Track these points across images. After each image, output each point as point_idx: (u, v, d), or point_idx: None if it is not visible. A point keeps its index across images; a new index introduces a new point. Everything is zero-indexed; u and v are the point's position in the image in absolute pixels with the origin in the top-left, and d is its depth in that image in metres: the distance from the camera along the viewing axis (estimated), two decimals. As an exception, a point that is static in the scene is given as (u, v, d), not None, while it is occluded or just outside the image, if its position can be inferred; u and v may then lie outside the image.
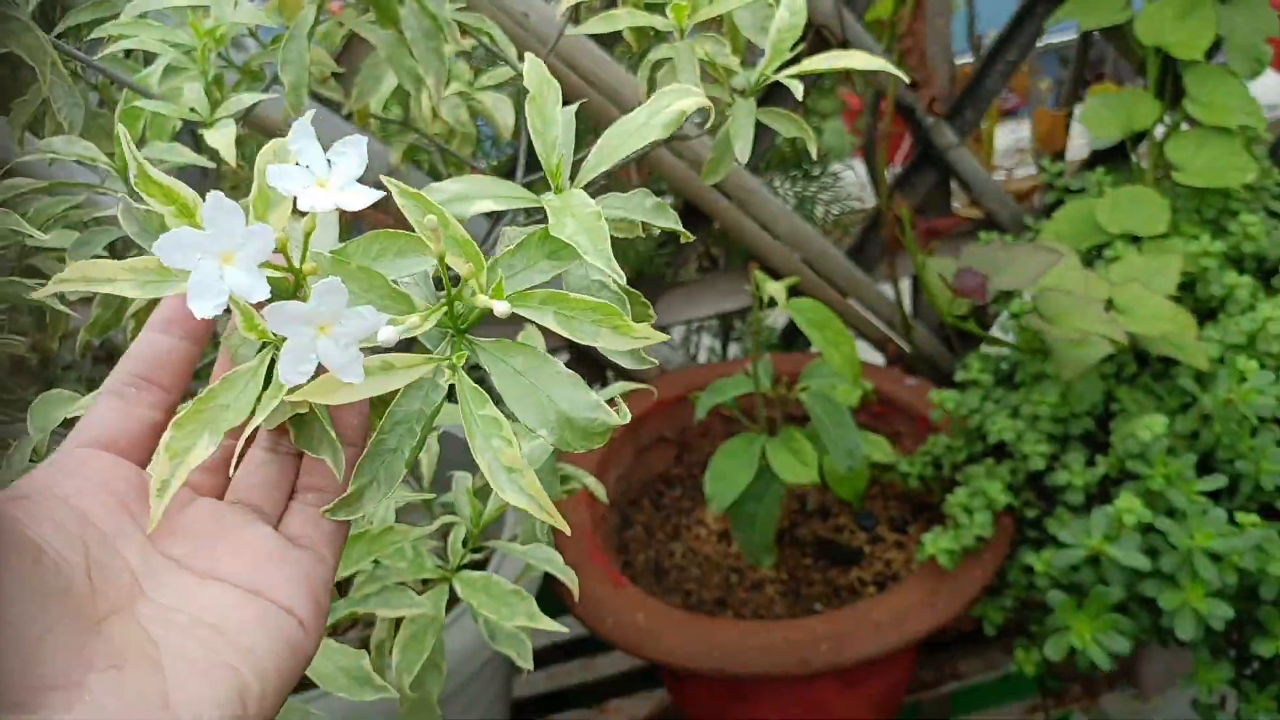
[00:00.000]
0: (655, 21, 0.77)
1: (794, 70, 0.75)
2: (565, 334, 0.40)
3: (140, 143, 0.69)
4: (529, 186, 0.50)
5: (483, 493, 0.71)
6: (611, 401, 0.41)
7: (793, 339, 1.52)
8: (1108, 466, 1.01)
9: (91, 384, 0.89)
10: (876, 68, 0.74)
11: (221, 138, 0.64)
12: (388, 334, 0.37)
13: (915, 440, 1.25)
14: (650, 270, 1.35)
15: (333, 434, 0.40)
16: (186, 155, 0.66)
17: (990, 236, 1.34)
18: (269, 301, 0.37)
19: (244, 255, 0.36)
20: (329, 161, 0.38)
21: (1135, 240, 1.20)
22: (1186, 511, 0.94)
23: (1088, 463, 1.05)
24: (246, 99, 0.68)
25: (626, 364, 0.45)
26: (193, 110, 0.68)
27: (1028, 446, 1.04)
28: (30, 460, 0.61)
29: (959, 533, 1.04)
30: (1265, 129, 1.23)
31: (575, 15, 1.53)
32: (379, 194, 0.39)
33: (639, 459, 1.29)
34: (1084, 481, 1.02)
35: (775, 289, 0.91)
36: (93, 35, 0.72)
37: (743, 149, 0.70)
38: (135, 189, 0.40)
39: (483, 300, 0.39)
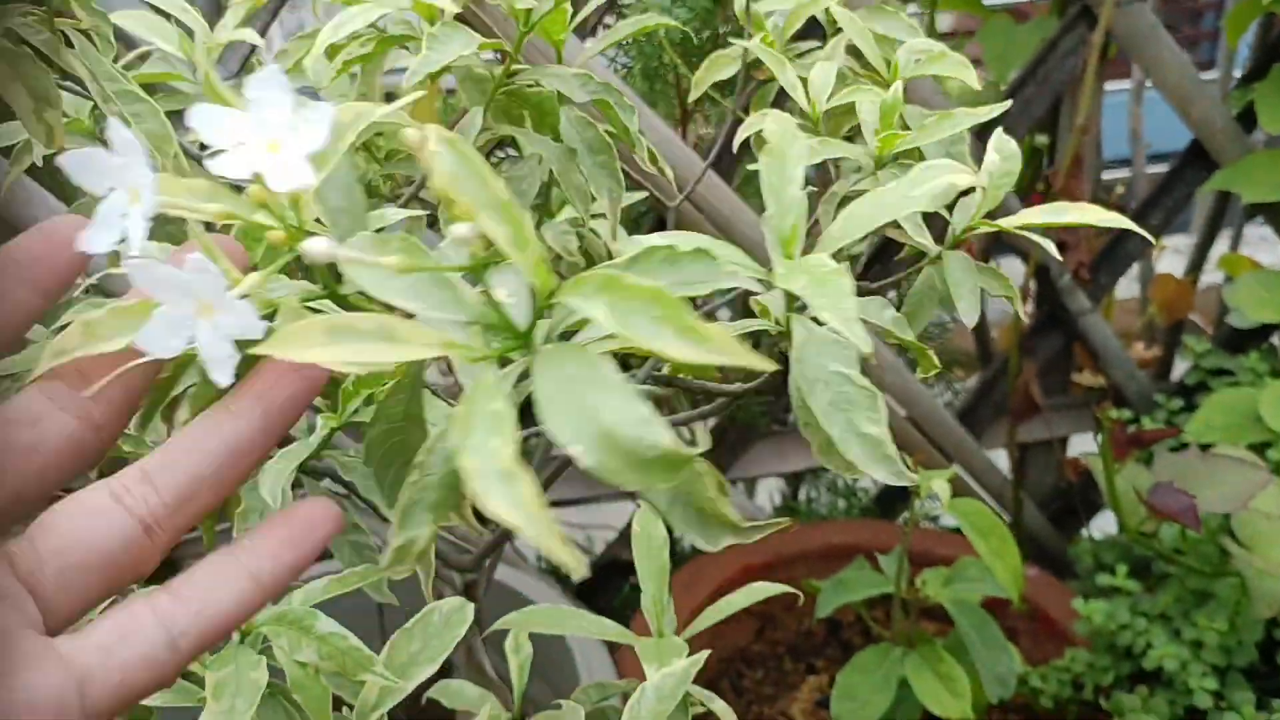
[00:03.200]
0: (851, 152, 0.65)
1: (1016, 221, 0.62)
2: (619, 329, 0.29)
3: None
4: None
5: None
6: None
7: (890, 503, 1.37)
8: (1288, 714, 0.86)
9: None
10: (1113, 223, 0.61)
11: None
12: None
13: (1034, 640, 1.09)
14: (744, 417, 1.21)
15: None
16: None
17: (1122, 413, 1.20)
18: None
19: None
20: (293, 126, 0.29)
21: (1299, 441, 1.06)
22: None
23: (1258, 704, 0.89)
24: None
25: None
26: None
27: (1194, 680, 0.88)
28: None
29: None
30: None
31: (683, 126, 1.42)
32: (311, 180, 0.29)
33: (715, 631, 1.13)
34: (1258, 728, 0.87)
35: (940, 486, 0.76)
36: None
37: (968, 309, 0.57)
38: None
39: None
